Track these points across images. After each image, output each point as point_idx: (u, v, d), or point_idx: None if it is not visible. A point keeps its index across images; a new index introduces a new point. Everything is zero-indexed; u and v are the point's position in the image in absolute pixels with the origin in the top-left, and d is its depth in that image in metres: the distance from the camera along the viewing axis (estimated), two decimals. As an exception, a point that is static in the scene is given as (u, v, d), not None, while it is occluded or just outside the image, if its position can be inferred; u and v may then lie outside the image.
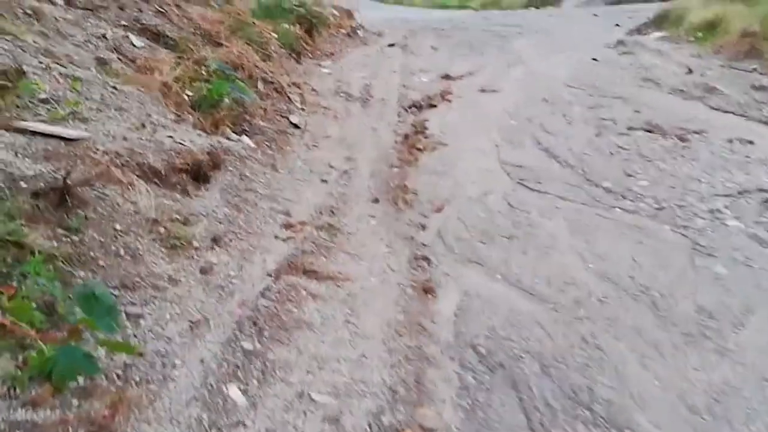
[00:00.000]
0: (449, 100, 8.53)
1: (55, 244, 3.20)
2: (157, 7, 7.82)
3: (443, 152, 6.53)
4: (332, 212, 4.89)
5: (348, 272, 4.02)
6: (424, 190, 5.53)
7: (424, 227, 4.83)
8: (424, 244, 4.56)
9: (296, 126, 7.00)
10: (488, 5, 24.73)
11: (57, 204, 3.41)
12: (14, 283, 2.81)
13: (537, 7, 21.60)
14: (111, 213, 3.68)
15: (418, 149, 6.66)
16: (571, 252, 4.45)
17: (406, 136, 7.10)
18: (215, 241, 4.01)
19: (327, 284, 3.84)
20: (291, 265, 3.96)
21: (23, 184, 3.37)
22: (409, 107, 8.32)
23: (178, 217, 4.03)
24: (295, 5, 12.68)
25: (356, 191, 5.43)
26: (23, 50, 5.01)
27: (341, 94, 8.80)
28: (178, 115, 5.52)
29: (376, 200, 5.27)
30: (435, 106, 8.33)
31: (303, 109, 7.68)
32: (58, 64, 5.18)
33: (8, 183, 3.32)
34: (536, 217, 4.95)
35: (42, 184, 3.43)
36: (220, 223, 4.22)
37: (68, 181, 3.46)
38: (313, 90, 8.78)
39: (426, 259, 4.31)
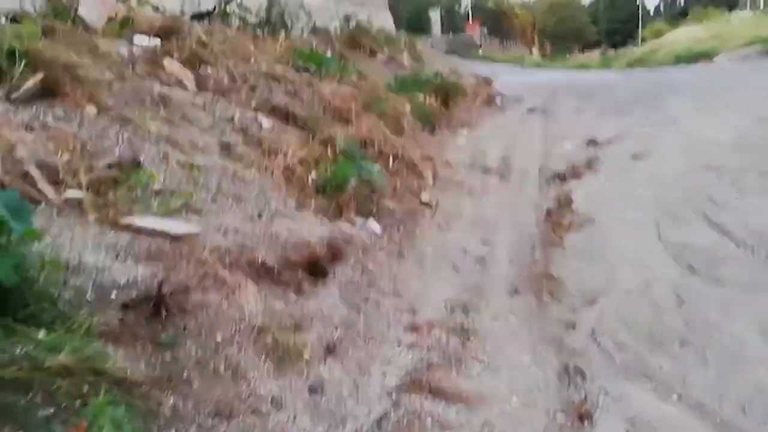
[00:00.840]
0: (597, 169, 7.71)
1: (143, 365, 2.76)
2: (289, 86, 7.65)
3: (593, 231, 5.74)
4: (465, 309, 4.24)
5: (483, 391, 3.32)
6: (572, 278, 4.76)
7: (574, 326, 4.06)
8: (575, 350, 3.79)
9: (427, 205, 6.46)
10: (633, 63, 23.53)
11: (150, 315, 3.00)
12: (86, 420, 2.37)
13: (687, 63, 20.23)
14: (213, 322, 3.23)
15: (564, 227, 5.90)
16: (766, 365, 3.52)
17: (549, 213, 6.36)
18: (329, 350, 3.46)
19: (457, 408, 3.16)
20: (415, 382, 3.32)
21: (113, 295, 2.98)
22: (552, 178, 7.58)
23: (288, 322, 3.52)
24: (431, 76, 12.41)
25: (493, 281, 4.75)
26: (143, 139, 4.81)
27: (477, 167, 8.22)
28: (300, 201, 5.13)
29: (516, 292, 4.57)
30: (581, 176, 7.55)
31: (435, 185, 7.15)
32: (179, 151, 4.96)
33: (97, 294, 2.94)
34: (715, 316, 4.04)
35: (134, 294, 3.03)
36: (336, 327, 3.68)
37: (164, 289, 3.05)
38: (447, 163, 8.27)
39: (579, 371, 3.54)
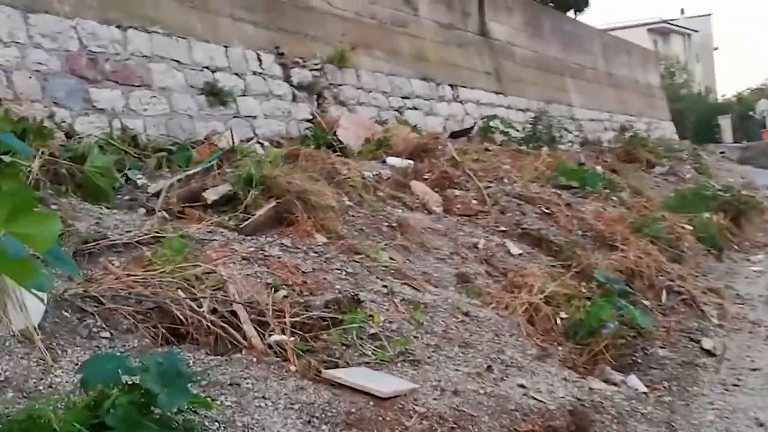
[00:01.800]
0: None
1: None
2: (544, 208, 7.02)
3: None
4: None
5: None
6: None
7: None
8: None
9: (710, 353, 5.27)
10: None
11: None
12: None
13: None
14: None
15: None
16: None
17: None
18: None
19: None
20: None
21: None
22: None
23: None
24: (719, 190, 10.99)
25: (804, 478, 3.52)
26: (369, 271, 4.47)
27: (778, 303, 6.75)
28: (543, 348, 4.37)
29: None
30: None
31: (721, 326, 5.91)
32: (408, 285, 4.53)
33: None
34: None
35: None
36: None
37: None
38: (738, 297, 6.93)
39: None
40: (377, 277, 4.44)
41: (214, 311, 3.42)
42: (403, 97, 10.96)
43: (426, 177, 7.27)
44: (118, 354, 2.81)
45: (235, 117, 8.09)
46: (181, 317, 3.31)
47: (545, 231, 6.48)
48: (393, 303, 4.13)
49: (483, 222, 6.40)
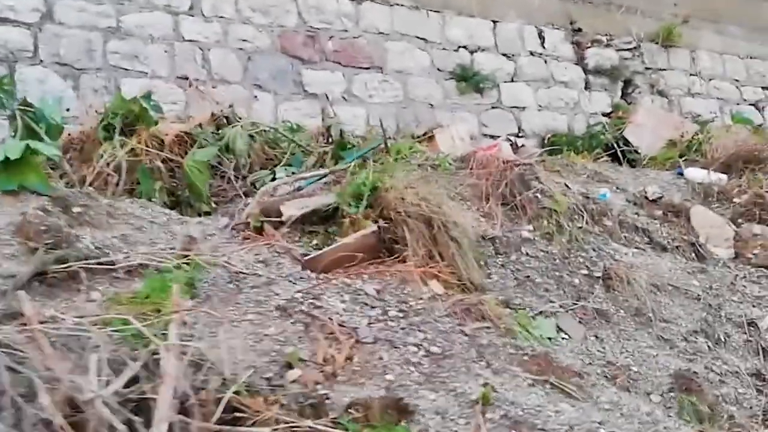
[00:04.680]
0: None
1: None
2: None
3: None
4: None
5: None
6: None
7: None
8: None
9: None
10: None
11: None
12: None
13: None
14: None
15: None
16: None
17: None
18: None
19: None
20: None
21: None
22: None
23: None
24: None
25: None
26: (479, 353, 2.84)
27: None
28: None
29: None
30: None
31: None
32: (550, 385, 2.80)
33: None
34: None
35: None
36: None
37: None
38: None
39: None
40: (493, 368, 2.78)
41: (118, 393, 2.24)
42: (766, 88, 8.29)
43: (735, 200, 5.09)
44: None
45: (494, 108, 6.67)
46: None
47: None
48: (478, 420, 2.47)
49: (797, 283, 4.10)
